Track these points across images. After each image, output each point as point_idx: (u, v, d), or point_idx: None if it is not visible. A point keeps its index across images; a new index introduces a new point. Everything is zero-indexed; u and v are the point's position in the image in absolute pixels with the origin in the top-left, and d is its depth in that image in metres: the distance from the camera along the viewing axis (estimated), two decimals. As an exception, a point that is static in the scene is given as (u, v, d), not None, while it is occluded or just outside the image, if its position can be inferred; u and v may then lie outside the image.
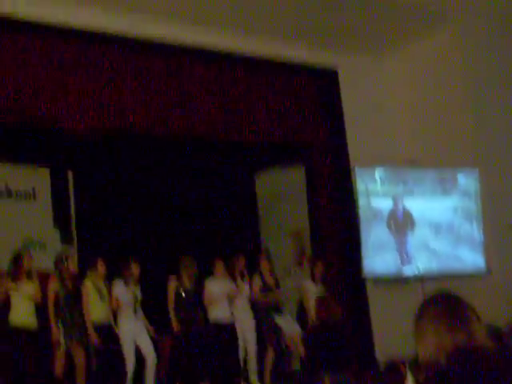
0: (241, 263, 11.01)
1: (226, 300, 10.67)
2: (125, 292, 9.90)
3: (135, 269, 10.03)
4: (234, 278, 10.89)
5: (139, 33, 10.83)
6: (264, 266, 11.21)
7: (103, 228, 12.19)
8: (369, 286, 12.44)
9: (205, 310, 10.62)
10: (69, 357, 9.42)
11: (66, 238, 12.14)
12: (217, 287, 10.61)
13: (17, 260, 9.38)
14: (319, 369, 8.00)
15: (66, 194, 12.37)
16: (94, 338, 9.45)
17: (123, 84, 10.58)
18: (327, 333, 8.17)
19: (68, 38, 10.20)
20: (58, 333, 9.26)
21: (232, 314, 10.70)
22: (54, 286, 9.43)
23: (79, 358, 9.37)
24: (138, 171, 12.64)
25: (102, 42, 10.49)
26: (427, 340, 2.72)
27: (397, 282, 12.69)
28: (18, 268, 9.29)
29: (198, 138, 11.48)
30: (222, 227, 13.33)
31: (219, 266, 10.75)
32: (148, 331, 10.05)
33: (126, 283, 9.94)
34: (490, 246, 12.22)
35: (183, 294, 10.32)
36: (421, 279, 12.20)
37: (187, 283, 10.39)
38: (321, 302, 8.73)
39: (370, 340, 12.09)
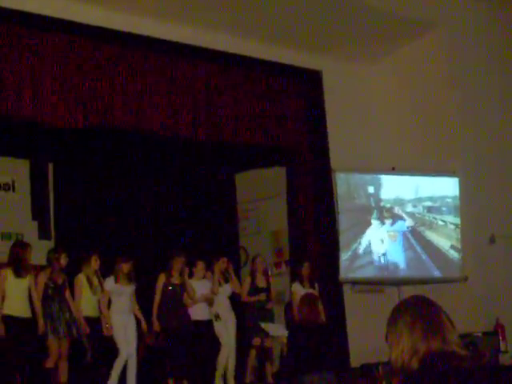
0: (223, 264, 10.98)
1: (205, 302, 10.66)
2: (115, 288, 9.95)
3: (126, 267, 10.03)
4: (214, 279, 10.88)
5: (123, 27, 10.79)
6: (258, 267, 11.19)
7: (81, 223, 12.12)
8: (346, 290, 12.45)
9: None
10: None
11: (44, 232, 12.09)
12: (196, 289, 10.57)
13: (20, 250, 9.33)
14: (298, 368, 7.93)
15: (46, 186, 12.31)
16: (85, 329, 9.50)
17: (106, 79, 10.50)
18: (309, 332, 8.07)
19: (50, 30, 10.09)
20: (44, 326, 9.22)
21: (215, 314, 10.69)
22: (43, 280, 9.41)
23: (65, 350, 9.38)
24: (118, 167, 12.57)
25: (84, 35, 10.40)
26: (401, 344, 2.71)
27: (373, 286, 12.72)
28: (20, 261, 9.23)
29: (179, 137, 11.43)
30: (201, 226, 13.28)
31: (200, 267, 10.74)
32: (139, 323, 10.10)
33: (117, 280, 9.97)
34: (468, 255, 12.26)
35: (171, 292, 10.30)
36: (397, 284, 12.25)
37: (176, 280, 10.38)
38: (304, 300, 8.64)
39: (345, 344, 12.08)
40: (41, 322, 9.22)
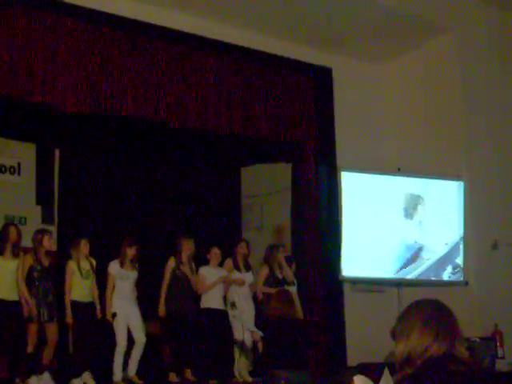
0: (241, 249, 10.82)
1: (220, 289, 10.53)
2: (120, 272, 9.93)
3: (130, 251, 10.03)
4: (236, 267, 10.73)
5: (133, 15, 10.78)
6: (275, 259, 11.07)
7: (85, 209, 12.14)
8: (346, 288, 12.45)
9: (197, 297, 10.50)
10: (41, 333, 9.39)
11: (47, 216, 12.10)
12: (211, 276, 10.48)
13: (3, 233, 9.30)
14: (271, 365, 7.86)
15: (51, 172, 12.32)
16: (69, 317, 9.47)
17: (116, 66, 10.49)
18: (284, 328, 7.95)
19: (60, 14, 10.08)
20: (31, 308, 9.16)
21: (231, 302, 10.47)
22: (28, 262, 9.35)
23: (51, 335, 9.36)
24: (124, 155, 12.59)
25: (94, 21, 10.41)
26: (411, 339, 2.73)
27: (374, 286, 12.71)
28: (3, 241, 9.21)
29: (187, 127, 11.42)
30: (203, 218, 13.28)
31: (214, 253, 10.64)
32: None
33: (122, 264, 9.96)
34: (470, 259, 12.26)
35: (179, 277, 10.23)
36: (398, 285, 12.25)
37: (185, 266, 10.32)
38: (280, 296, 8.49)
39: (343, 342, 12.09)
40: (25, 305, 9.14)
